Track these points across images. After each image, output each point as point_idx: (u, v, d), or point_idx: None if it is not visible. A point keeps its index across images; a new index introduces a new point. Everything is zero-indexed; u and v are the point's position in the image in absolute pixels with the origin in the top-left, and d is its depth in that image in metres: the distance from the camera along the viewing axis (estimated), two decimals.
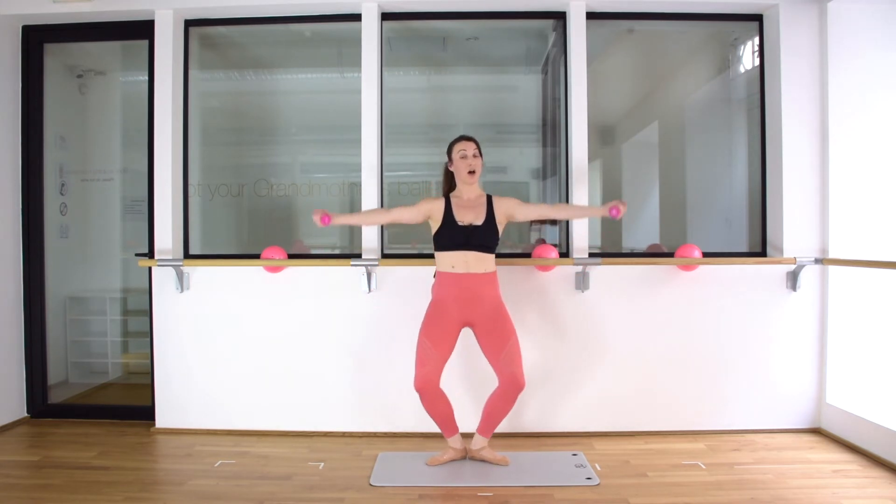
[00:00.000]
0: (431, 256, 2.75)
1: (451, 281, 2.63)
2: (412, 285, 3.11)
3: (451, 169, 2.74)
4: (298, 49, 3.77)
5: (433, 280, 2.73)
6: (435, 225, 2.67)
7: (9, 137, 3.33)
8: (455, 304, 2.63)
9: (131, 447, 3.00)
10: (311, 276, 3.21)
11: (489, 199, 2.71)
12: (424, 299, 2.75)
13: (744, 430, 3.15)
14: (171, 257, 3.20)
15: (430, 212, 2.68)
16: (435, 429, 2.87)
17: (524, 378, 2.61)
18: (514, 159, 3.77)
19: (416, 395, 2.61)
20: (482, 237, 2.63)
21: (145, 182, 3.33)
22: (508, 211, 2.70)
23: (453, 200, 2.70)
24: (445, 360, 2.63)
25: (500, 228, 2.71)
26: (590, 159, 3.22)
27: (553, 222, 3.41)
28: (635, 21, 3.41)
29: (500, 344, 2.62)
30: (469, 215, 2.65)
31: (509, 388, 2.59)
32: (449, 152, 2.74)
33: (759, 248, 3.32)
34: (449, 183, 2.80)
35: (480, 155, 2.69)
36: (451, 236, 2.62)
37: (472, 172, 2.66)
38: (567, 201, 3.25)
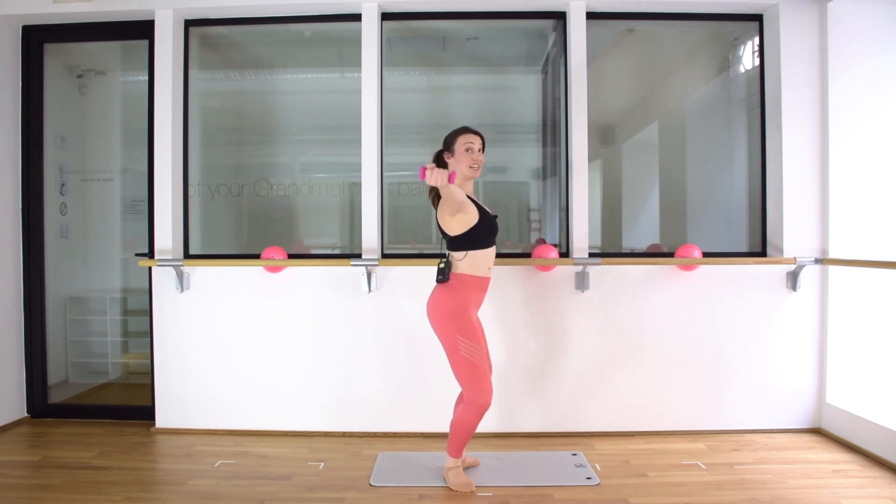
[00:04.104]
0: (429, 256, 2.68)
1: (482, 284, 2.46)
2: (412, 285, 3.11)
3: (449, 160, 2.49)
4: (298, 49, 3.77)
5: (444, 283, 2.44)
6: (471, 219, 2.37)
7: (9, 137, 3.33)
8: (475, 309, 2.48)
9: (131, 447, 3.00)
10: (311, 275, 3.20)
11: None
12: (424, 299, 2.66)
13: (744, 430, 3.15)
14: (171, 257, 3.20)
15: (467, 203, 2.34)
16: (434, 429, 2.88)
17: None
18: (514, 159, 3.76)
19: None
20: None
21: (145, 182, 3.33)
22: None
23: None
24: None
25: None
26: (590, 159, 3.23)
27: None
28: (635, 21, 3.41)
29: None
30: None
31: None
32: (450, 142, 2.49)
33: (759, 248, 3.32)
34: None
35: (483, 151, 2.51)
36: (492, 230, 2.45)
37: (476, 167, 2.46)
38: (567, 201, 3.25)
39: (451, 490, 2.46)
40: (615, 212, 3.77)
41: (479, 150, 2.47)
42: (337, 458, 2.83)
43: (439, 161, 2.55)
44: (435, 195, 2.50)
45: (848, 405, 3.01)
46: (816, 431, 3.15)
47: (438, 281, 2.45)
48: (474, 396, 2.40)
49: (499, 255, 3.00)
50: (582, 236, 3.16)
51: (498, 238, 2.53)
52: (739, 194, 3.49)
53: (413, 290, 3.09)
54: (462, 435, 2.47)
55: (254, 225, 3.70)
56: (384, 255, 3.25)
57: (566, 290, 3.17)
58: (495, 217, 2.51)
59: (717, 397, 3.17)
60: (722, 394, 3.17)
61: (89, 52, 3.89)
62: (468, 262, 2.42)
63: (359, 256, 3.15)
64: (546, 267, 3.13)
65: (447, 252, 2.48)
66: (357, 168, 3.23)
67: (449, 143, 2.50)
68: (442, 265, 2.45)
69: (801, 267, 3.11)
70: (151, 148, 3.27)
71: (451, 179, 2.10)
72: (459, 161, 2.46)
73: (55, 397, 3.58)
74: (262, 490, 2.48)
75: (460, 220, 2.37)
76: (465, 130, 2.49)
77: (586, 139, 3.18)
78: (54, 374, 3.63)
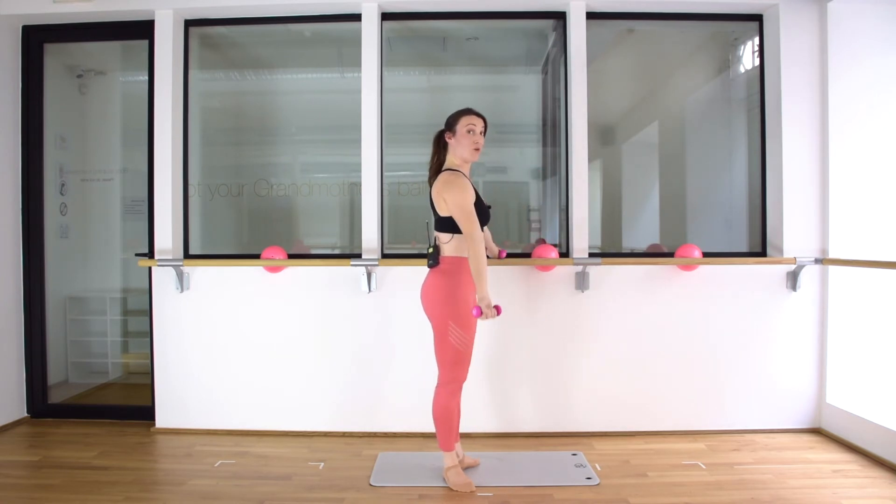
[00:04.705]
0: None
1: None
2: (412, 285, 3.10)
3: (450, 140, 2.47)
4: (298, 49, 3.77)
5: (435, 267, 2.45)
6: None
7: (9, 137, 3.33)
8: (472, 294, 2.41)
9: (131, 447, 3.00)
10: (311, 276, 3.20)
11: None
12: None
13: (744, 430, 3.15)
14: (171, 257, 3.20)
15: (474, 212, 2.37)
16: (434, 429, 2.86)
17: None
18: (514, 159, 3.76)
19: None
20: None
21: (145, 182, 3.33)
22: None
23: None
24: None
25: None
26: (590, 159, 3.23)
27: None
28: (635, 21, 3.41)
29: None
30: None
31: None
32: (452, 122, 2.47)
33: (759, 248, 3.32)
34: (441, 154, 2.53)
35: (484, 135, 2.48)
36: (484, 215, 2.43)
37: (477, 149, 2.43)
38: (567, 201, 3.25)
39: (451, 490, 2.46)
40: (615, 212, 3.77)
41: (480, 133, 2.45)
42: (337, 458, 2.83)
43: (440, 141, 2.54)
44: (433, 173, 2.53)
45: (848, 405, 3.01)
46: (816, 431, 3.15)
47: (429, 266, 2.47)
48: (449, 377, 2.44)
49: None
50: (582, 236, 3.16)
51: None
52: (739, 194, 3.49)
53: (413, 291, 3.07)
54: (445, 421, 2.46)
55: (254, 225, 3.70)
56: (384, 255, 3.25)
57: (566, 290, 3.17)
58: (489, 207, 2.52)
59: (717, 397, 3.17)
60: (722, 394, 3.17)
61: (89, 52, 3.89)
62: (454, 245, 2.43)
63: (359, 256, 3.15)
64: (546, 267, 3.13)
65: (434, 235, 2.50)
66: (357, 168, 3.23)
67: (451, 124, 2.48)
68: (431, 250, 2.47)
69: (801, 267, 3.11)
70: (151, 148, 3.27)
71: (498, 311, 2.30)
72: (460, 142, 2.44)
73: (55, 397, 3.58)
74: (262, 490, 2.48)
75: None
76: (468, 112, 2.47)
77: (586, 139, 3.18)
78: (54, 374, 3.63)
